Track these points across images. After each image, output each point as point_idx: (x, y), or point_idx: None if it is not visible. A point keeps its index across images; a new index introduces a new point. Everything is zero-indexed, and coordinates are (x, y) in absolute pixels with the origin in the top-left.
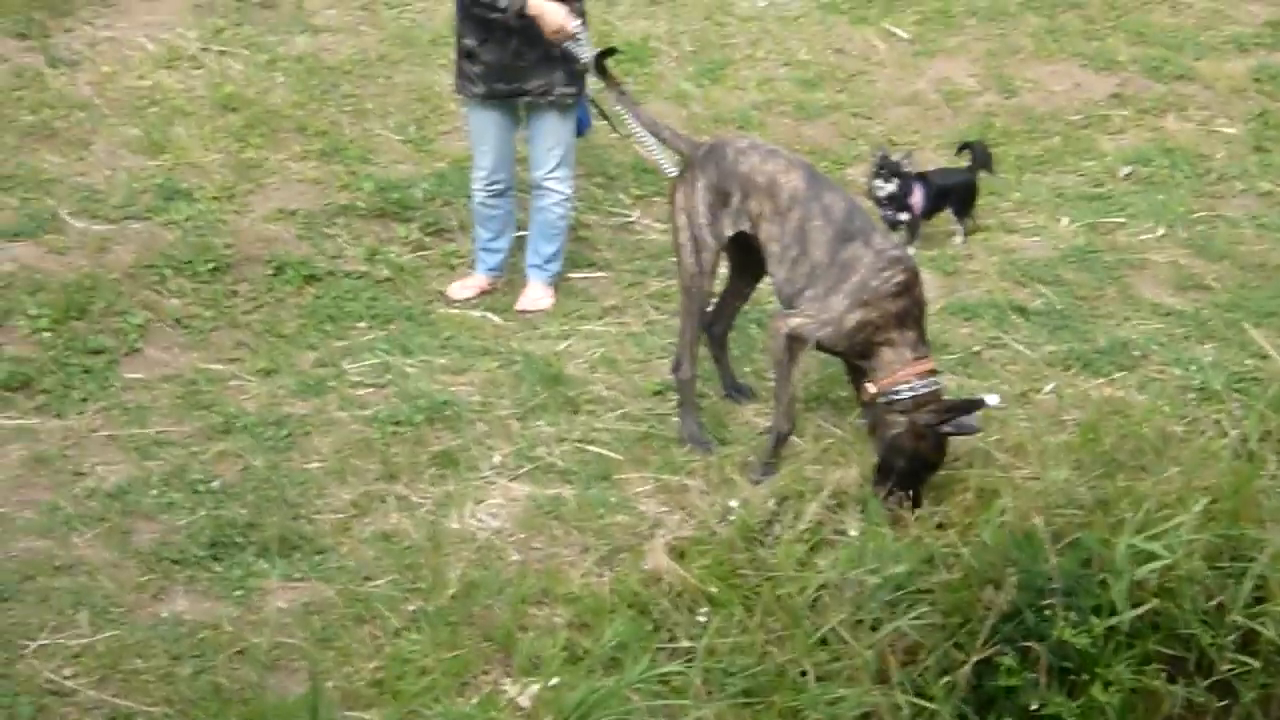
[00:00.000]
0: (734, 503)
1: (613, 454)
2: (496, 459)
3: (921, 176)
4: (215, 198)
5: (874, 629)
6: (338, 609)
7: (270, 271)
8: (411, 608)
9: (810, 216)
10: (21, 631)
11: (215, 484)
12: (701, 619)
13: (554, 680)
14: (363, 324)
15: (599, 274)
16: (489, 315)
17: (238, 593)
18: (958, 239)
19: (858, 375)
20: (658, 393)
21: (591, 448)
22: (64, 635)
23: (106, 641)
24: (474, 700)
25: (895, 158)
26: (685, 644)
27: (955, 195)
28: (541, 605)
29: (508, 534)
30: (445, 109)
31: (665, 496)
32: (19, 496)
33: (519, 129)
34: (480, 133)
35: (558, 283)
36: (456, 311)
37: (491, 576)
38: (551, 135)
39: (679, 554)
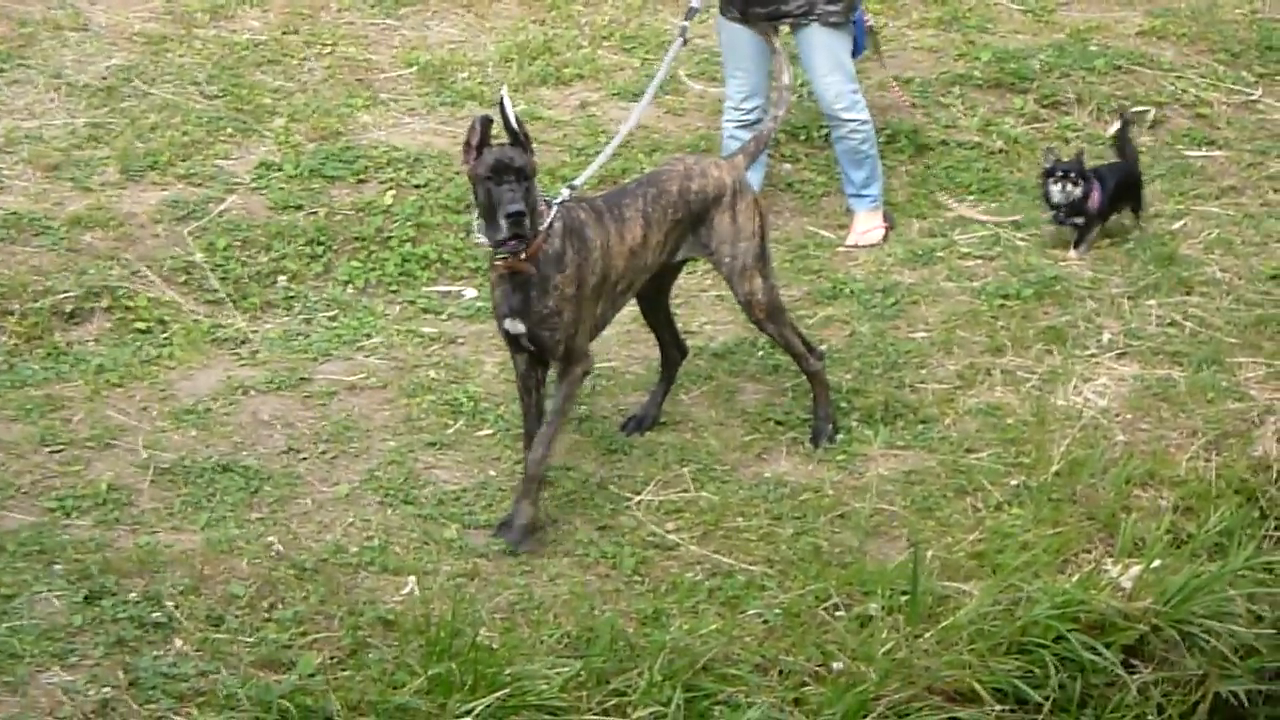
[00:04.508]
0: None
1: (1225, 337)
2: (1105, 337)
3: (1095, 173)
4: None
5: None
6: (939, 479)
7: (882, 140)
8: (1014, 482)
9: None
10: (628, 484)
11: (821, 348)
12: None
13: (1156, 563)
14: (971, 196)
15: (1217, 153)
16: None
17: (840, 457)
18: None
19: None
20: (1274, 276)
21: (1203, 330)
22: (669, 490)
23: (709, 498)
24: (1074, 578)
25: (1069, 158)
26: None
27: (1131, 189)
28: (1146, 487)
29: (1114, 413)
30: None
31: (1278, 383)
32: (629, 352)
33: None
34: (730, 51)
35: (884, 208)
36: None
37: (1096, 455)
38: (824, 60)
39: None
